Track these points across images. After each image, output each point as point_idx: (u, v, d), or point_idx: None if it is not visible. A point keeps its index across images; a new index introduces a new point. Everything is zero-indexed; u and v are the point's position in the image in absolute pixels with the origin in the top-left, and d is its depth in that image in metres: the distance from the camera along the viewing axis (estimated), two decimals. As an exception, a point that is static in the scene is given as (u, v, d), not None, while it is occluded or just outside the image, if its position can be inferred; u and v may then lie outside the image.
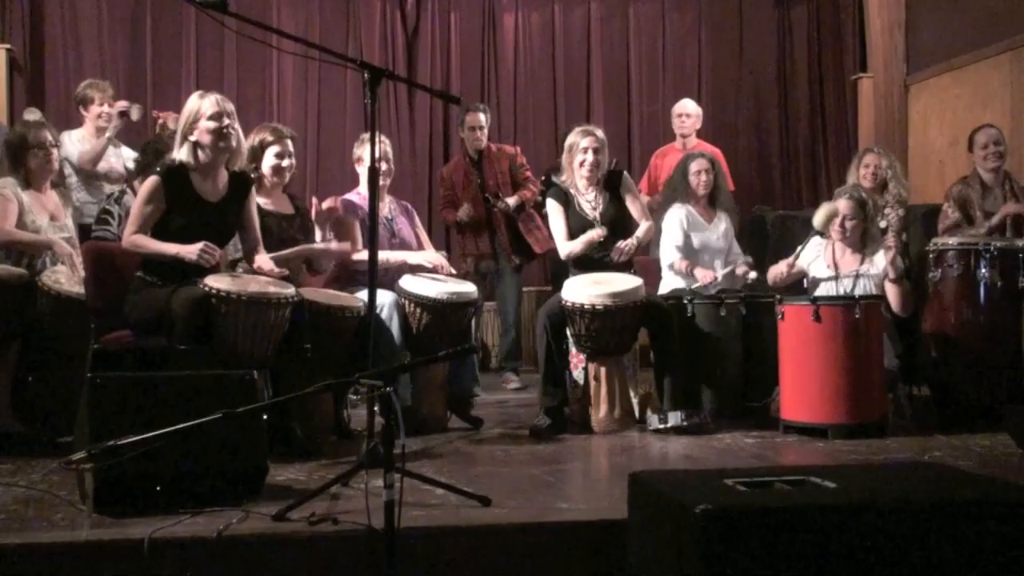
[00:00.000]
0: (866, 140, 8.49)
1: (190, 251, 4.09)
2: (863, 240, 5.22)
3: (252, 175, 4.67)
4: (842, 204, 5.17)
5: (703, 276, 5.31)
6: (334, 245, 4.83)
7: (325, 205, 4.95)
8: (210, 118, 4.19)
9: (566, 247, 5.15)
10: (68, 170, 5.52)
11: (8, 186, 4.73)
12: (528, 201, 6.81)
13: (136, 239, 4.16)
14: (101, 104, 5.88)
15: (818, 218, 5.22)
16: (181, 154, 4.22)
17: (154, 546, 2.67)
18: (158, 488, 3.04)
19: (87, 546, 2.72)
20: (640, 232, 5.15)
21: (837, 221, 5.15)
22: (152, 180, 4.18)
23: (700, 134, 7.24)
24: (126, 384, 3.29)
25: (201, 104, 4.21)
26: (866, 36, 8.88)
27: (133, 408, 3.13)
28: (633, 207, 5.23)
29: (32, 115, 5.91)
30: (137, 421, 2.95)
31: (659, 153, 7.27)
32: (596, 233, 5.04)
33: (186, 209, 4.18)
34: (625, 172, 5.38)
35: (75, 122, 6.04)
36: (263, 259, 4.36)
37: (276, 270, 4.30)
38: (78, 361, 4.14)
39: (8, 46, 7.53)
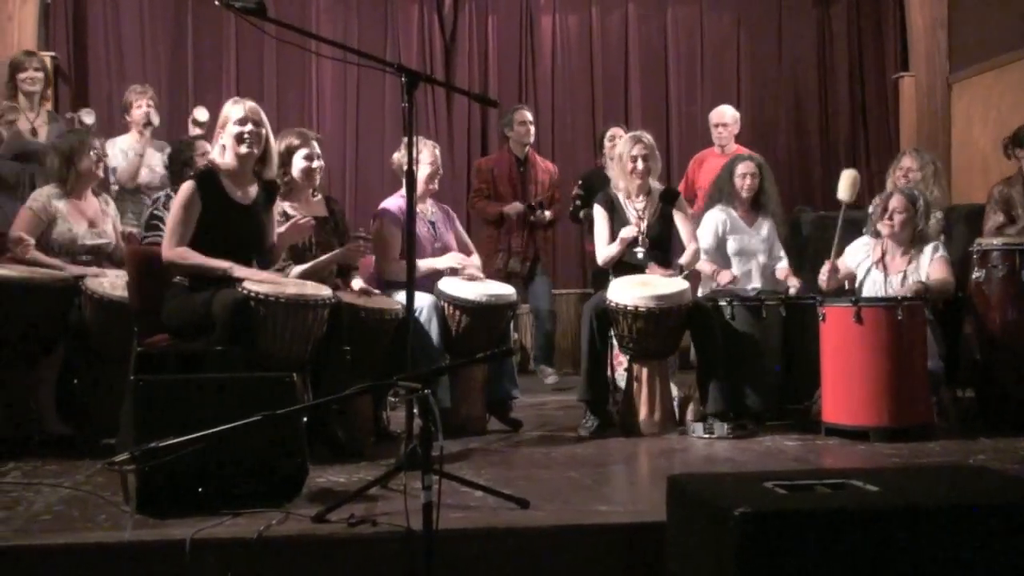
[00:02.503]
0: (908, 140, 8.39)
1: (242, 272, 4.12)
2: (912, 239, 5.16)
3: (283, 180, 4.71)
4: (893, 199, 5.13)
5: (722, 278, 5.29)
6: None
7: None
8: (235, 122, 4.24)
9: (604, 252, 5.14)
10: (112, 178, 5.58)
11: (41, 198, 4.78)
12: (556, 221, 7.07)
13: (182, 252, 4.14)
14: (138, 107, 5.95)
15: (841, 189, 5.19)
16: (214, 154, 4.34)
17: (196, 547, 2.70)
18: (200, 489, 3.07)
19: (130, 546, 2.76)
20: (684, 259, 5.14)
21: (894, 217, 5.09)
22: (187, 186, 4.22)
23: (741, 135, 7.17)
24: (168, 387, 3.34)
25: (232, 109, 4.27)
26: (907, 34, 8.78)
27: (175, 410, 3.17)
28: (683, 228, 5.20)
29: (89, 117, 5.97)
30: (179, 423, 2.96)
31: (696, 159, 7.21)
32: (628, 231, 5.02)
33: (218, 212, 4.21)
34: (681, 195, 5.39)
35: (119, 128, 6.12)
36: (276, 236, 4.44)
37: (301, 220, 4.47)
38: (121, 364, 4.19)
39: (53, 54, 7.63)
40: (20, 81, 5.61)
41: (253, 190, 4.35)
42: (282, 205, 4.71)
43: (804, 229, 6.67)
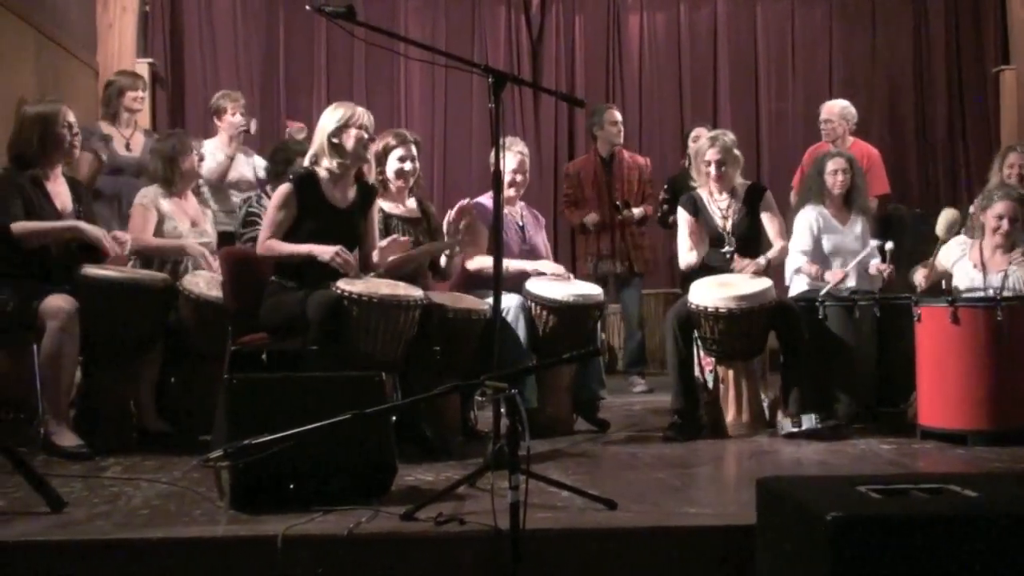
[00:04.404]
0: (1009, 136, 8.13)
1: (325, 251, 4.19)
2: (1015, 240, 5.01)
3: (377, 179, 4.78)
4: (1003, 205, 4.96)
5: (833, 277, 5.16)
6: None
7: (456, 208, 4.80)
8: (360, 127, 4.29)
9: (685, 259, 5.09)
10: (201, 180, 5.72)
11: (149, 195, 4.94)
12: (649, 217, 6.92)
13: (271, 244, 4.27)
14: (233, 113, 6.11)
15: (940, 226, 5.05)
16: (319, 158, 4.31)
17: (287, 542, 2.74)
18: (291, 486, 3.12)
19: (224, 541, 2.82)
20: (771, 253, 5.05)
21: (1004, 223, 4.93)
22: (284, 187, 4.32)
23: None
24: (261, 385, 3.40)
25: (355, 111, 4.30)
26: (1008, 26, 8.50)
27: (267, 408, 3.22)
28: (771, 226, 5.12)
29: (300, 133, 6.23)
30: (271, 421, 3.02)
31: (811, 151, 7.04)
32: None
33: (316, 214, 4.29)
34: (768, 191, 5.25)
35: (213, 133, 6.27)
36: (376, 252, 4.46)
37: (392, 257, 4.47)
38: (216, 362, 4.29)
39: (151, 60, 7.85)
40: (130, 100, 5.87)
41: (351, 193, 4.42)
42: (378, 203, 4.77)
43: (898, 228, 6.51)
